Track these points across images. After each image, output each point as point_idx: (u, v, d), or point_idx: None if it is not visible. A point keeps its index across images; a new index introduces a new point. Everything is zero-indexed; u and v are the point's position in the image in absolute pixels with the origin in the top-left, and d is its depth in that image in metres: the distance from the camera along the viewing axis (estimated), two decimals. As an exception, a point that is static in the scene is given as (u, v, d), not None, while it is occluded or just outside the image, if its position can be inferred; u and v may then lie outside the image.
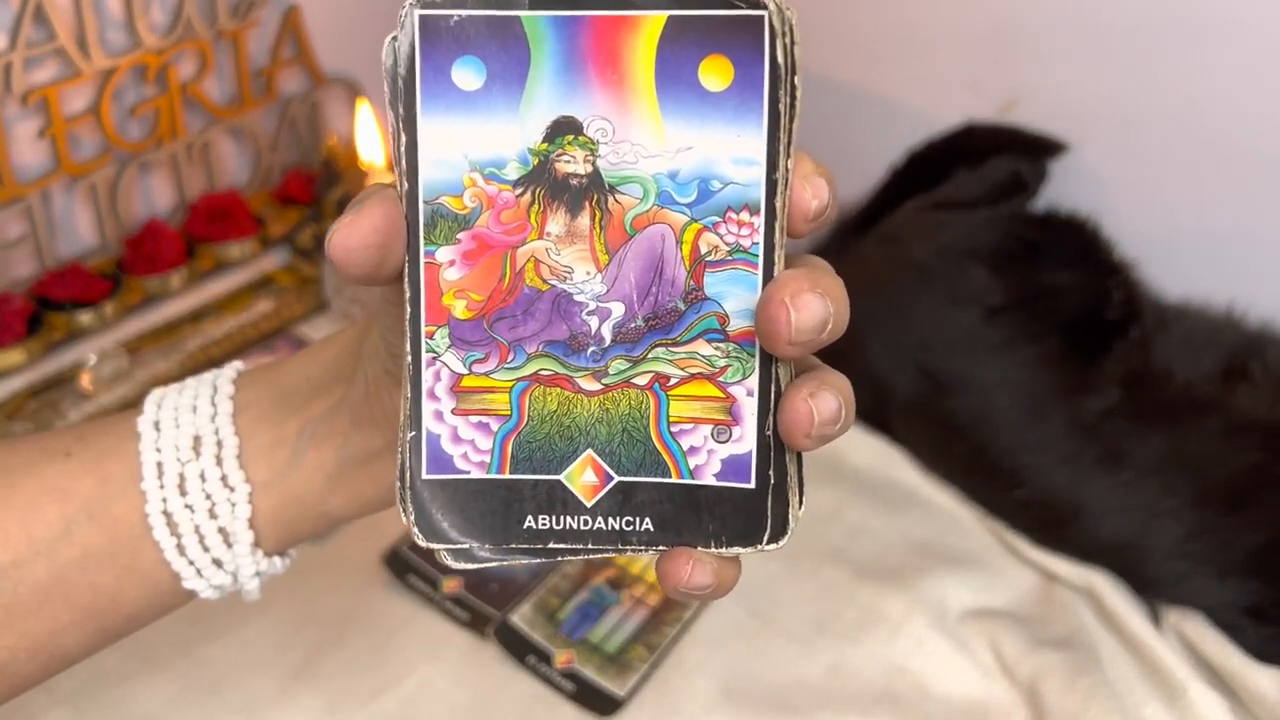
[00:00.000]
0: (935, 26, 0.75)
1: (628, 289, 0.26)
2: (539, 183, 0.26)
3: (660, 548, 0.27)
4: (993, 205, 0.70)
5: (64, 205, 0.76)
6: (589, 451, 0.27)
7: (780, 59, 0.26)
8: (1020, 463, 0.61)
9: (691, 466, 0.27)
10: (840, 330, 0.26)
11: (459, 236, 0.26)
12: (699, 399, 0.27)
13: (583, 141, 0.25)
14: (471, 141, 0.25)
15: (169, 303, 0.77)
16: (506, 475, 0.27)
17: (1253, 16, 0.63)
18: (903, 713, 0.53)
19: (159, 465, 0.32)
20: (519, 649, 0.55)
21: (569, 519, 0.27)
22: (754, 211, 0.26)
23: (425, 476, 0.26)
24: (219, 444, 0.32)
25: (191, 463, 0.32)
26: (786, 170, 0.26)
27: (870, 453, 0.68)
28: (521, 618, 0.56)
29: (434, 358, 0.26)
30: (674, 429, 0.27)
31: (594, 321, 0.26)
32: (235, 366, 0.34)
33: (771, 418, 0.27)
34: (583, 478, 0.27)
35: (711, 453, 0.27)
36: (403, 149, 0.26)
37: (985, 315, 0.64)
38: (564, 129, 0.25)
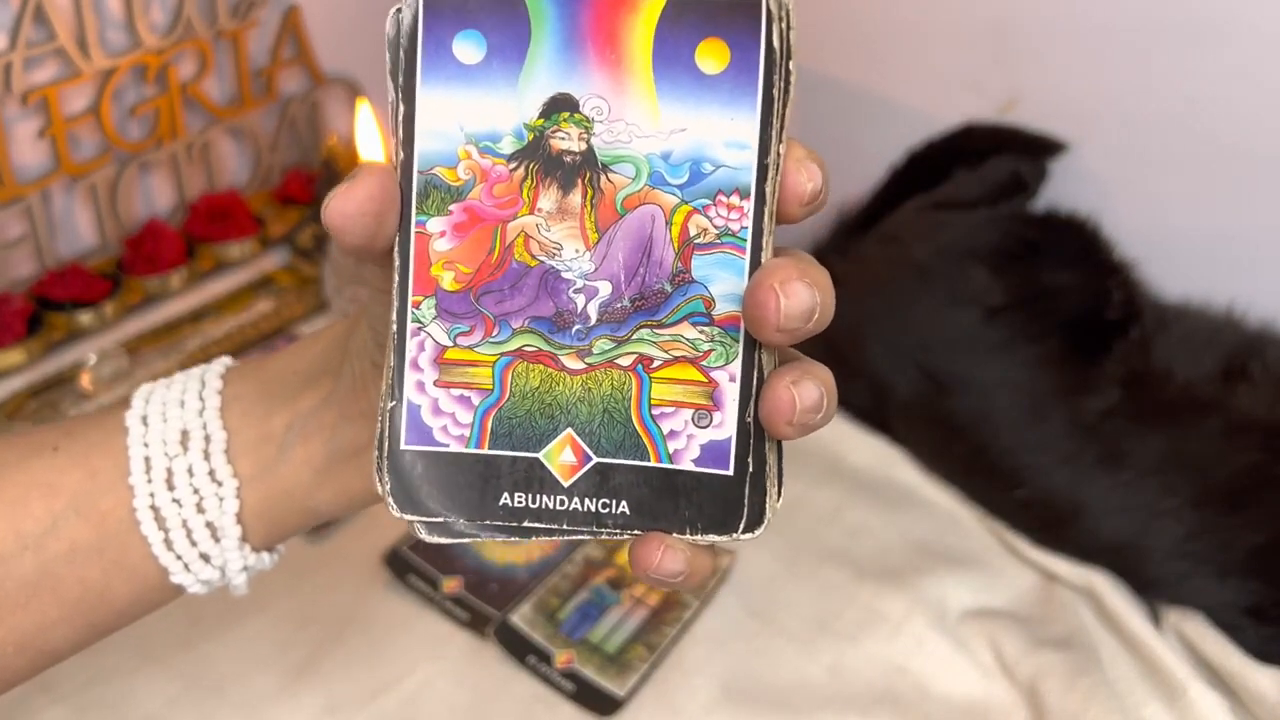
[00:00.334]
0: (935, 26, 0.75)
1: (616, 268, 0.26)
2: (533, 158, 0.26)
3: (635, 532, 0.27)
4: (993, 205, 0.70)
5: (64, 205, 0.76)
6: (569, 430, 0.27)
7: (776, 43, 0.26)
8: (1020, 463, 0.61)
9: (670, 451, 0.27)
10: (826, 320, 0.26)
11: (451, 208, 0.26)
12: (681, 382, 0.26)
13: (578, 119, 0.25)
14: (469, 114, 0.25)
15: (169, 303, 0.77)
16: (485, 450, 0.26)
17: (1253, 16, 0.63)
18: (903, 713, 0.53)
19: (146, 460, 0.32)
20: (519, 649, 0.55)
21: (545, 498, 0.27)
22: (744, 195, 0.26)
23: (404, 447, 0.26)
24: (206, 438, 0.32)
25: (179, 457, 0.32)
26: (778, 155, 0.26)
27: (870, 453, 0.68)
28: (521, 618, 0.56)
29: (419, 328, 0.26)
30: (655, 412, 0.27)
31: (580, 300, 0.26)
32: (224, 362, 0.34)
33: (753, 405, 0.26)
34: (561, 457, 0.27)
35: (691, 438, 0.27)
36: (400, 119, 0.26)
37: (985, 315, 0.64)
38: (560, 106, 0.25)
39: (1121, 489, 0.58)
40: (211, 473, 0.32)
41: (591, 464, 0.27)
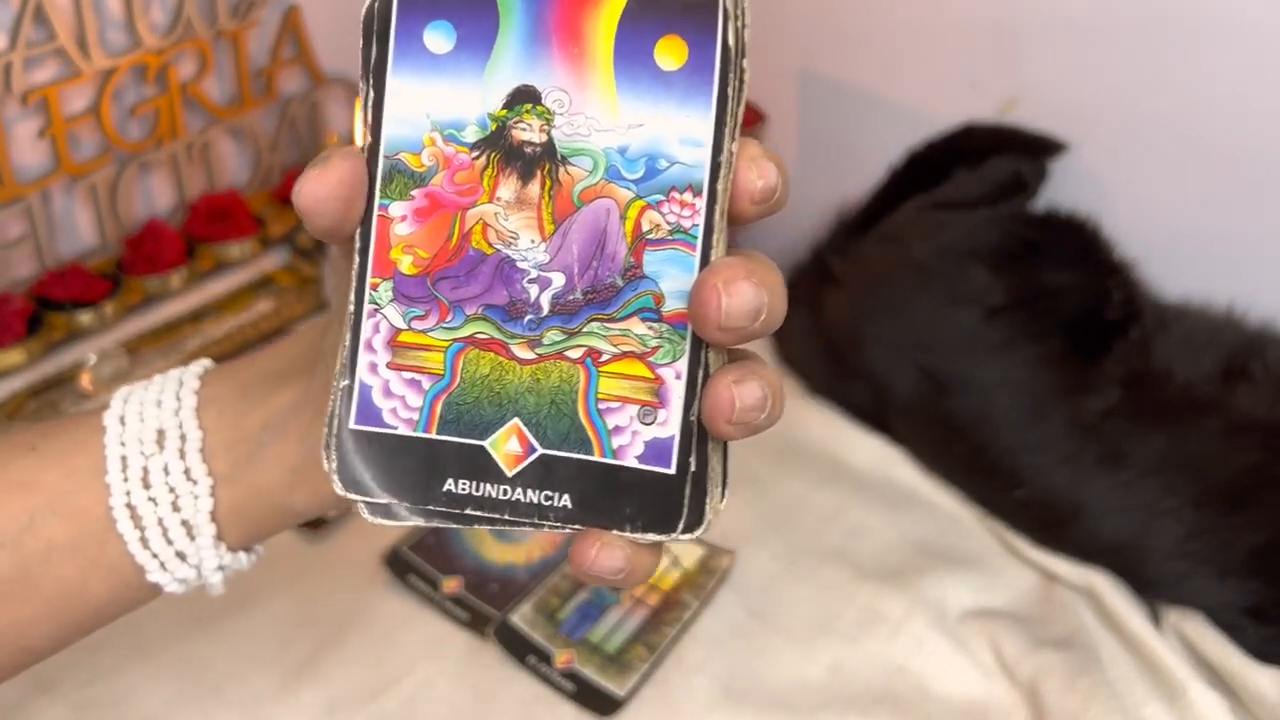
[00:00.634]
0: (935, 26, 0.75)
1: (570, 260, 0.26)
2: (495, 148, 0.26)
3: (577, 526, 0.27)
4: (993, 205, 0.70)
5: (64, 205, 0.76)
6: (515, 420, 0.27)
7: (731, 42, 0.26)
8: (1020, 463, 0.61)
9: (614, 446, 0.26)
10: (775, 323, 0.26)
11: (413, 193, 0.26)
12: (628, 378, 0.26)
13: (540, 111, 0.26)
14: (435, 102, 0.26)
15: (169, 303, 0.77)
16: (432, 435, 0.26)
17: (1253, 16, 0.63)
18: (903, 713, 0.53)
19: (123, 459, 0.32)
20: (519, 649, 0.55)
21: (489, 487, 0.27)
22: (697, 193, 0.26)
23: (352, 426, 0.26)
24: (182, 438, 0.32)
25: (155, 456, 0.32)
26: (730, 154, 0.26)
27: (870, 453, 0.68)
28: (521, 618, 0.56)
29: (375, 309, 0.26)
30: (601, 406, 0.26)
31: (534, 290, 0.26)
32: (203, 363, 0.35)
33: (697, 404, 0.26)
34: (507, 446, 0.27)
35: (636, 434, 0.26)
36: (370, 104, 0.26)
37: (985, 315, 0.64)
38: (523, 97, 0.26)
39: (1121, 489, 0.58)
40: (186, 471, 0.32)
41: (536, 455, 0.27)
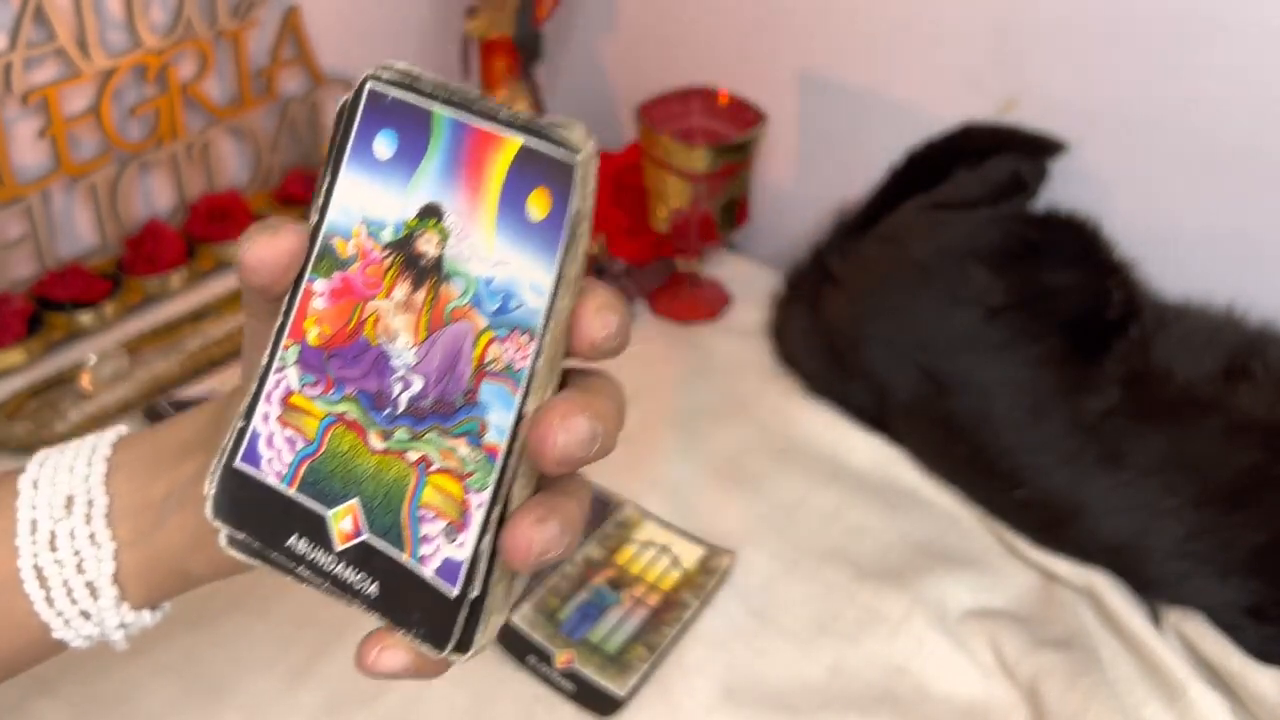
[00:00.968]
0: (935, 27, 0.75)
1: (430, 369, 0.28)
2: (400, 251, 0.28)
3: (377, 614, 0.29)
4: (993, 205, 0.70)
5: (64, 205, 0.77)
6: (356, 501, 0.29)
7: (578, 205, 0.27)
8: (1020, 463, 0.61)
9: (421, 553, 0.28)
10: (609, 448, 0.28)
11: (334, 274, 0.29)
12: (445, 494, 0.28)
13: (440, 229, 0.28)
14: (369, 200, 0.29)
15: (169, 303, 0.77)
16: (292, 492, 0.29)
17: (1253, 16, 0.63)
18: (903, 713, 0.53)
19: (33, 522, 0.34)
20: (519, 649, 0.55)
21: (320, 554, 0.29)
22: (531, 337, 0.28)
23: (237, 464, 0.29)
24: (90, 503, 0.34)
25: (63, 520, 0.34)
26: (563, 309, 0.28)
27: (870, 453, 0.68)
28: (522, 618, 0.56)
29: (282, 367, 0.29)
30: (420, 512, 0.28)
31: (398, 387, 0.28)
32: (118, 430, 0.36)
33: (491, 535, 0.28)
34: (342, 522, 0.29)
35: (439, 548, 0.28)
36: (325, 188, 0.29)
37: (985, 315, 0.64)
38: (430, 213, 0.28)
39: (1122, 489, 0.58)
40: (92, 536, 0.34)
41: (362, 539, 0.28)
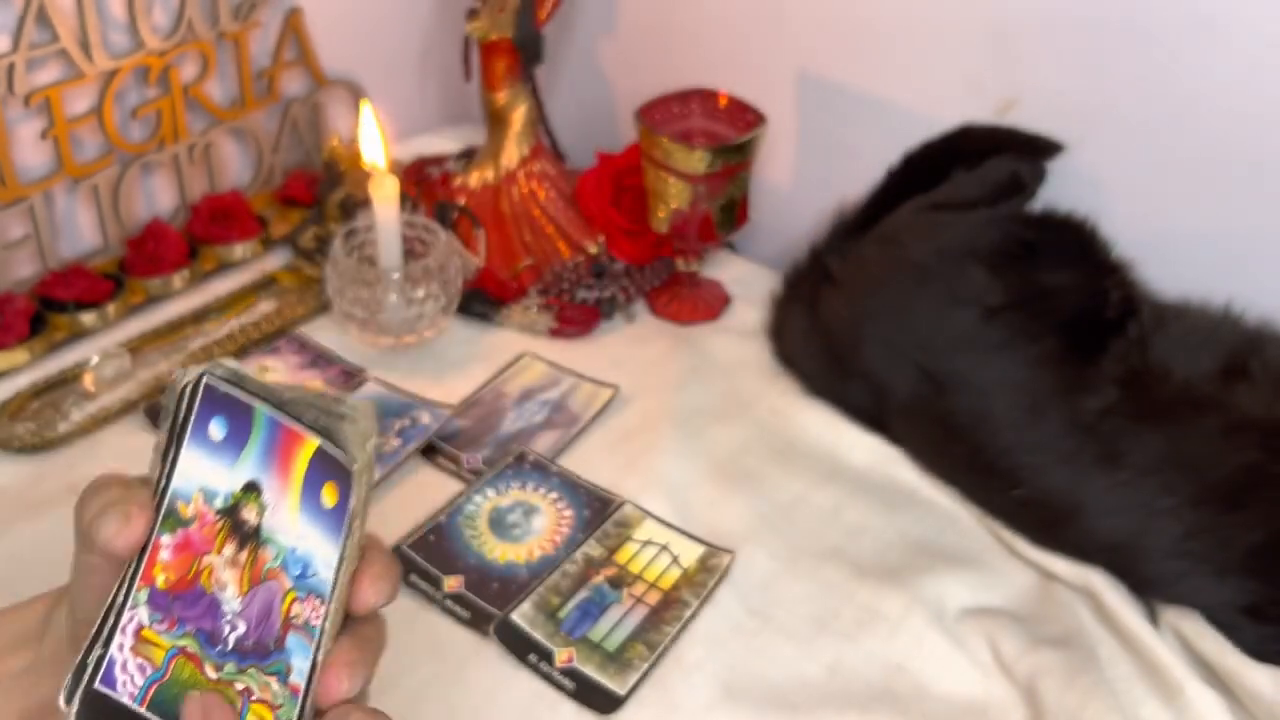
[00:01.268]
0: (934, 27, 0.75)
1: (250, 616, 0.35)
2: (229, 517, 0.35)
3: None
4: (991, 206, 0.70)
5: (66, 206, 0.77)
6: None
7: (353, 503, 0.36)
8: (1019, 462, 0.61)
9: None
10: (371, 678, 0.36)
11: (178, 531, 0.34)
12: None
13: (259, 502, 0.35)
14: (206, 473, 0.35)
15: (171, 303, 0.78)
16: (143, 710, 0.33)
17: (1253, 16, 0.63)
18: (902, 711, 0.53)
19: None
20: (520, 647, 0.55)
21: None
22: (322, 602, 0.36)
23: (96, 685, 0.33)
24: None
25: None
26: (343, 584, 0.36)
27: (869, 452, 0.68)
28: (522, 616, 0.56)
29: (134, 606, 0.33)
30: None
31: (226, 629, 0.34)
32: None
33: None
34: None
35: None
36: (168, 460, 0.35)
37: (984, 315, 0.64)
38: (252, 489, 0.35)
39: (1120, 488, 0.59)
40: None
41: None
